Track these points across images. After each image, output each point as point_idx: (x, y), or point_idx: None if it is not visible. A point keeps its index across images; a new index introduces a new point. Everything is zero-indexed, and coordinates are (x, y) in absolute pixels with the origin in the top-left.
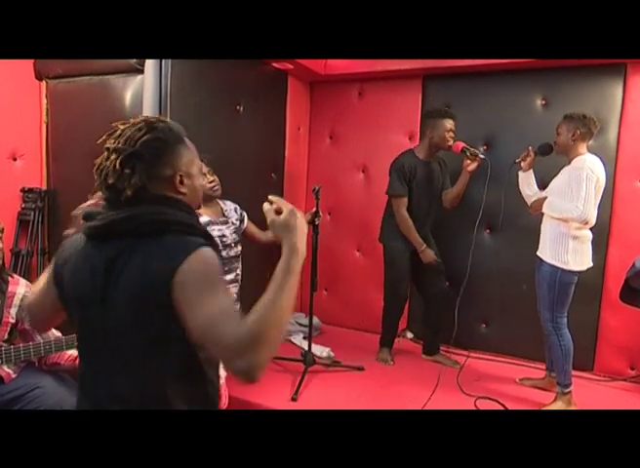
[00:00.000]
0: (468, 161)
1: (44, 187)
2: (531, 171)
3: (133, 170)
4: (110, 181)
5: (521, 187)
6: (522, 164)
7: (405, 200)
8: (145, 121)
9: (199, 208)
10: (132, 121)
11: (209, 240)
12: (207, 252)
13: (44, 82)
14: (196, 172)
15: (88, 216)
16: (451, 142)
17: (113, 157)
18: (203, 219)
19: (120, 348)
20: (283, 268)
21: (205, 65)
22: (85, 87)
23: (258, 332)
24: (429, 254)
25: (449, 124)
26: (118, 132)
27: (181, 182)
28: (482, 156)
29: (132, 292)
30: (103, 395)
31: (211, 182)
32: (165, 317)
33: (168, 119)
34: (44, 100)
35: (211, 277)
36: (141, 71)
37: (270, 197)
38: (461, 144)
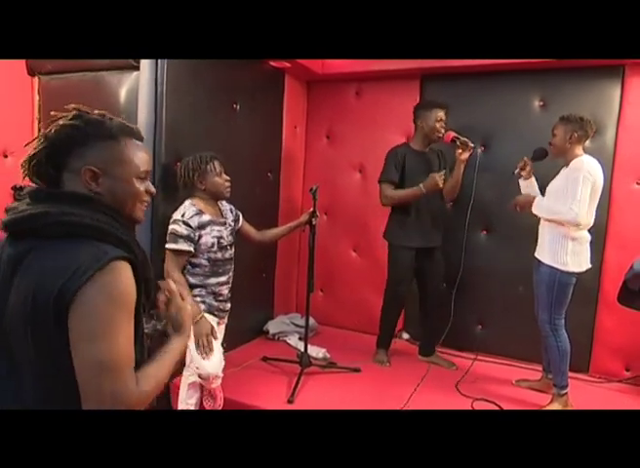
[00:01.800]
0: (460, 150)
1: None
2: (532, 177)
3: (38, 152)
4: (24, 166)
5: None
6: (522, 173)
7: (392, 186)
8: (77, 109)
9: (135, 221)
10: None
11: (127, 249)
12: (120, 267)
13: (36, 78)
14: (126, 175)
15: (6, 211)
16: (442, 132)
17: (34, 141)
18: (205, 218)
19: (14, 358)
20: (175, 350)
21: (202, 62)
22: (78, 83)
23: (136, 402)
24: (432, 181)
25: (439, 114)
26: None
27: (94, 179)
28: (472, 145)
29: (25, 300)
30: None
31: (227, 182)
32: (59, 333)
33: (113, 117)
34: (36, 97)
35: (117, 304)
36: (137, 68)
37: (162, 284)
38: (452, 134)
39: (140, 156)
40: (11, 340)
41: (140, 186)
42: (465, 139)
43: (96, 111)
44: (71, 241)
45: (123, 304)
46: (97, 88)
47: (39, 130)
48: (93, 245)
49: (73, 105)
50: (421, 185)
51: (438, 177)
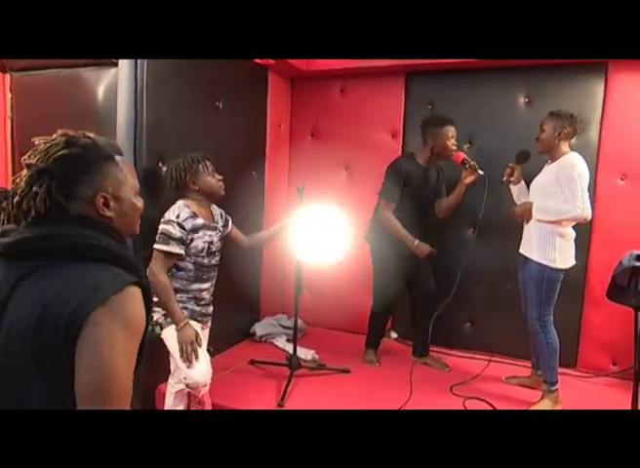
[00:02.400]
0: (466, 173)
1: (9, 187)
2: (522, 181)
3: (42, 188)
4: (16, 199)
5: (517, 200)
6: (511, 179)
7: (393, 205)
8: (66, 135)
9: (133, 235)
10: (54, 135)
11: (136, 273)
12: (134, 293)
13: (8, 74)
14: (128, 194)
15: (3, 233)
16: (454, 151)
17: (24, 173)
18: (199, 222)
19: (4, 373)
20: None
21: (183, 59)
22: (54, 80)
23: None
24: (424, 248)
25: (451, 131)
26: (39, 147)
27: (106, 205)
28: (481, 172)
29: (31, 319)
30: None
31: (220, 181)
32: (67, 353)
33: (96, 135)
34: (8, 94)
35: (129, 333)
36: (115, 64)
37: None
38: (462, 155)
39: (133, 172)
40: (2, 361)
41: (139, 202)
42: (474, 164)
43: (79, 132)
44: (84, 263)
45: (135, 333)
46: (73, 85)
47: (12, 129)
48: (106, 268)
49: (61, 131)
50: (416, 243)
51: (430, 251)
